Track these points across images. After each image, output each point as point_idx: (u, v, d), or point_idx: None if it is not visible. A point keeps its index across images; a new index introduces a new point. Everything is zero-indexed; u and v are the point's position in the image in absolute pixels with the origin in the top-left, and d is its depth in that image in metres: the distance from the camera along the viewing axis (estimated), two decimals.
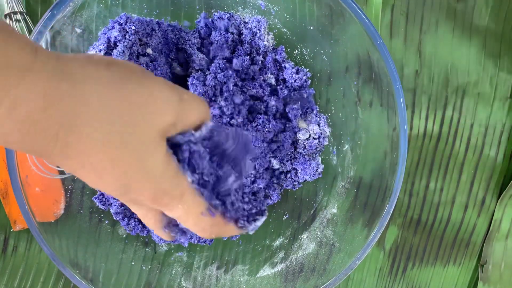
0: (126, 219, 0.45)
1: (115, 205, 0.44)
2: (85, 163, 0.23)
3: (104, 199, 0.45)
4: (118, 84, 0.23)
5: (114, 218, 0.45)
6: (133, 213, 0.45)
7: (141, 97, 0.24)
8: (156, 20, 0.43)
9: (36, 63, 0.21)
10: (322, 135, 0.47)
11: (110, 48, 0.39)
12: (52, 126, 0.21)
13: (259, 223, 0.28)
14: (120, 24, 0.40)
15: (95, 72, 0.23)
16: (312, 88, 0.47)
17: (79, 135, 0.22)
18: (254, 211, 0.28)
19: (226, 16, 0.45)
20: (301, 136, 0.46)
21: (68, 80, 0.22)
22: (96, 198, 0.45)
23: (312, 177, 0.47)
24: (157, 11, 0.46)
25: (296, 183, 0.48)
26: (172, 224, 0.29)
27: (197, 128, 0.27)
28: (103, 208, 0.45)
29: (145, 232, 0.46)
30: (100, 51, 0.39)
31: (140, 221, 0.45)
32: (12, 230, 0.49)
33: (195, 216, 0.26)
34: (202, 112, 0.27)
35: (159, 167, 0.25)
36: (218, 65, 0.42)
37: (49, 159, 0.23)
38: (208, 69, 0.43)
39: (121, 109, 0.23)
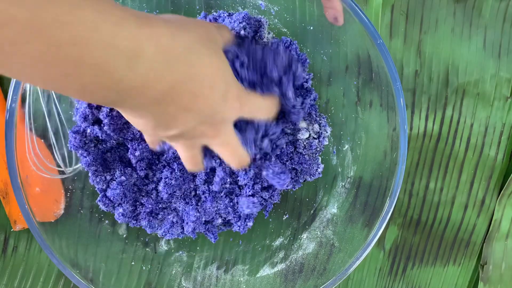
0: (133, 221, 0.45)
1: (120, 207, 0.44)
2: (203, 79, 0.30)
3: (107, 202, 0.45)
4: (193, 21, 0.33)
5: (119, 222, 0.45)
6: (139, 214, 0.45)
7: (205, 26, 0.34)
8: None
9: (146, 13, 0.29)
10: (322, 135, 0.47)
11: None
12: (181, 52, 0.29)
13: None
14: None
15: (179, 18, 0.32)
16: (313, 89, 0.47)
17: (197, 54, 0.30)
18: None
19: (225, 15, 0.44)
20: (301, 136, 0.46)
21: (171, 21, 0.30)
22: (99, 201, 0.44)
23: (312, 177, 0.47)
24: (157, 11, 0.46)
25: (296, 183, 0.48)
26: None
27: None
28: (106, 210, 0.45)
29: (149, 230, 0.46)
30: None
31: (150, 217, 0.46)
32: (12, 230, 0.49)
33: (260, 100, 0.37)
34: (227, 35, 0.38)
35: (229, 69, 0.34)
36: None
37: (174, 96, 0.29)
38: None
39: (205, 34, 0.33)
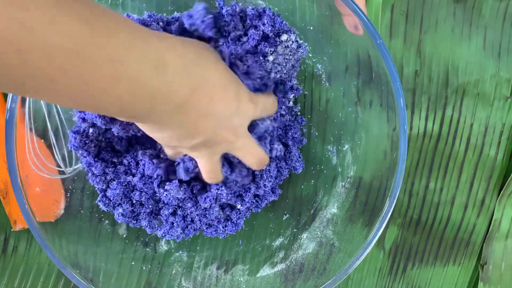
0: (133, 221, 0.45)
1: (120, 207, 0.44)
2: (215, 81, 0.33)
3: (107, 202, 0.45)
4: (190, 40, 0.35)
5: (119, 222, 0.45)
6: (139, 214, 0.45)
7: (203, 45, 0.36)
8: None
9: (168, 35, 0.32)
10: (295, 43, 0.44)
11: None
12: (194, 57, 0.32)
13: None
14: None
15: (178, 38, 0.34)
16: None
17: (206, 60, 0.33)
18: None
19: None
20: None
21: (176, 39, 0.33)
22: (99, 201, 0.44)
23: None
24: (154, 13, 0.46)
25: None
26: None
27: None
28: (106, 210, 0.45)
29: (149, 230, 0.46)
30: None
31: (150, 217, 0.46)
32: (12, 230, 0.49)
33: (266, 99, 0.40)
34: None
35: (233, 74, 0.37)
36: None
37: (194, 100, 0.32)
38: None
39: (206, 49, 0.35)
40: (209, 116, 0.33)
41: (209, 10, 0.40)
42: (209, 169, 0.39)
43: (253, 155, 0.39)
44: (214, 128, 0.34)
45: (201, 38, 0.39)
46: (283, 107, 0.47)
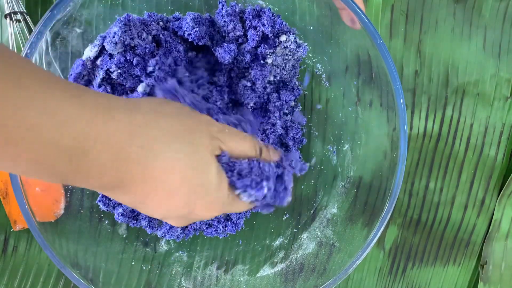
0: (133, 221, 0.45)
1: (120, 207, 0.44)
2: (158, 183, 0.27)
3: (107, 201, 0.45)
4: (176, 114, 0.29)
5: (119, 222, 0.45)
6: (139, 214, 0.45)
7: (193, 124, 0.29)
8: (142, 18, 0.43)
9: (112, 101, 0.26)
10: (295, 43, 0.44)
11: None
12: (135, 151, 0.25)
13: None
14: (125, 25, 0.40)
15: (158, 107, 0.28)
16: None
17: (155, 154, 0.26)
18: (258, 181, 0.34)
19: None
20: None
21: (140, 113, 0.27)
22: (99, 201, 0.44)
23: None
24: (155, 12, 0.46)
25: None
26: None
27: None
28: (106, 210, 0.45)
29: (149, 230, 0.46)
30: (94, 46, 0.40)
31: (150, 217, 0.46)
32: (12, 230, 0.49)
33: (246, 207, 0.34)
34: (241, 142, 0.33)
35: (215, 180, 0.30)
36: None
37: (125, 190, 0.27)
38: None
39: (183, 132, 0.28)
40: (146, 207, 0.28)
41: (198, 20, 0.40)
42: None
43: None
44: (155, 216, 0.30)
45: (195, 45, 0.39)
46: (286, 105, 0.47)
